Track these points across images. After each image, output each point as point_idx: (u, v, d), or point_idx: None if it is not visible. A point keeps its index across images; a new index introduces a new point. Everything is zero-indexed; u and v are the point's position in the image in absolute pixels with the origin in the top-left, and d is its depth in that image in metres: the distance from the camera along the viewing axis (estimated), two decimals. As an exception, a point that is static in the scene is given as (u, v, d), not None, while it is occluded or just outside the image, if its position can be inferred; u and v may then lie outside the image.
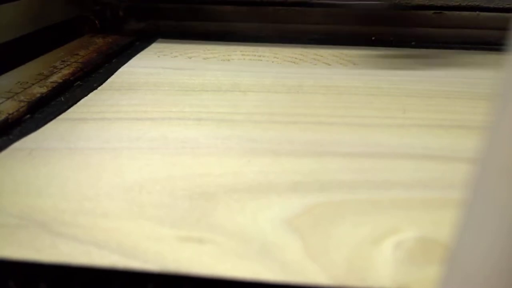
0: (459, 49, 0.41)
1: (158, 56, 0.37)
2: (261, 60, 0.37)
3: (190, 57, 0.37)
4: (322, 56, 0.38)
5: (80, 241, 0.16)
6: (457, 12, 0.43)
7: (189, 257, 0.15)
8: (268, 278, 0.14)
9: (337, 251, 0.16)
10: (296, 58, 0.37)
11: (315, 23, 0.44)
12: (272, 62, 0.36)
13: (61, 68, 0.33)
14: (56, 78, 0.31)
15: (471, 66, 0.36)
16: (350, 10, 0.43)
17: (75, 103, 0.28)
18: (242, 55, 0.38)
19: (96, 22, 0.44)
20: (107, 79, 0.32)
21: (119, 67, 0.34)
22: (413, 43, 0.43)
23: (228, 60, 0.37)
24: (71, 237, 0.16)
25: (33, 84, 0.30)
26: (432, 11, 0.43)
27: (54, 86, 0.30)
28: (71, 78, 0.31)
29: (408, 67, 0.36)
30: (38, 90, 0.29)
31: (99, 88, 0.30)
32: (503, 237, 0.09)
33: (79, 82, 0.32)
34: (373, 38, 0.44)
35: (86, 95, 0.29)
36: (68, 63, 0.34)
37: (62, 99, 0.29)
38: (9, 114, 0.25)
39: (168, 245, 0.16)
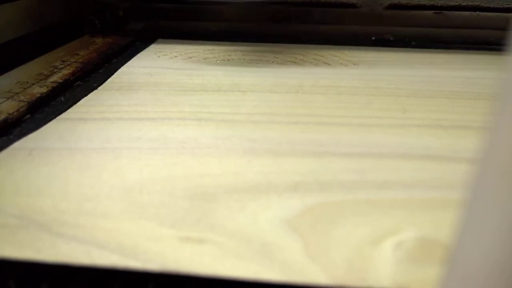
0: (459, 49, 0.41)
1: (158, 56, 0.37)
2: (261, 60, 0.37)
3: (190, 57, 0.37)
4: (322, 56, 0.38)
5: (80, 241, 0.16)
6: (457, 12, 0.43)
7: (189, 257, 0.15)
8: (268, 278, 0.14)
9: (337, 251, 0.16)
10: (296, 58, 0.37)
11: (315, 23, 0.44)
12: (272, 62, 0.37)
13: (61, 68, 0.33)
14: (56, 78, 0.31)
15: (471, 66, 0.36)
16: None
17: (75, 103, 0.28)
18: (242, 55, 0.38)
19: (96, 22, 0.44)
20: (107, 79, 0.32)
21: (119, 67, 0.34)
22: (413, 43, 0.43)
23: (228, 60, 0.37)
24: (71, 237, 0.16)
25: (33, 84, 0.30)
26: (432, 11, 0.43)
27: (54, 86, 0.30)
28: (71, 78, 0.31)
29: (408, 67, 0.36)
30: (38, 90, 0.29)
31: (99, 88, 0.30)
32: (503, 237, 0.09)
33: (79, 82, 0.32)
34: (373, 38, 0.44)
35: (86, 95, 0.29)
36: (68, 63, 0.34)
37: (62, 99, 0.29)
38: (9, 114, 0.25)
39: (168, 245, 0.16)
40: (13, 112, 0.26)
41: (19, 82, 0.30)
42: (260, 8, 0.44)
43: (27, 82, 0.30)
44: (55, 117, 0.26)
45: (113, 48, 0.39)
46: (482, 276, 0.09)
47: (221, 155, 0.22)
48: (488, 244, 0.09)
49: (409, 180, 0.20)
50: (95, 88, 0.30)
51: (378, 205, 0.18)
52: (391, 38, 0.43)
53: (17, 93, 0.28)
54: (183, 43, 0.41)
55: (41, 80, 0.31)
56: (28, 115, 0.26)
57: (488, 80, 0.32)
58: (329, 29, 0.44)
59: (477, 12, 0.42)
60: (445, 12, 0.43)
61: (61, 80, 0.31)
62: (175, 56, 0.37)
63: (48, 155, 0.21)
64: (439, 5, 0.43)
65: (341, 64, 0.36)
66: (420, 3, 0.43)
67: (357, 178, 0.20)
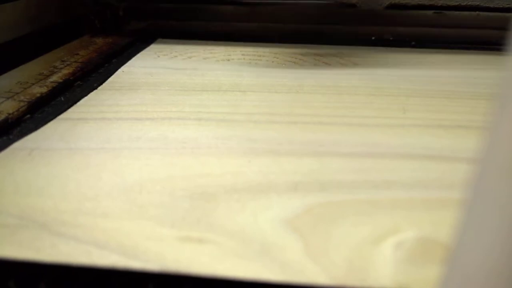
0: (459, 49, 0.41)
1: (158, 56, 0.37)
2: (261, 60, 0.37)
3: (190, 57, 0.37)
4: (322, 56, 0.38)
5: (80, 241, 0.16)
6: (457, 12, 0.43)
7: (189, 257, 0.15)
8: (268, 278, 0.14)
9: (337, 251, 0.16)
10: (296, 58, 0.37)
11: (315, 23, 0.44)
12: (272, 62, 0.36)
13: (61, 68, 0.33)
14: (56, 78, 0.31)
15: (471, 66, 0.36)
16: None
17: (75, 103, 0.28)
18: (242, 55, 0.38)
19: (96, 22, 0.44)
20: (107, 79, 0.32)
21: (119, 67, 0.34)
22: (413, 43, 0.43)
23: (228, 60, 0.37)
24: (71, 237, 0.16)
25: (33, 84, 0.30)
26: (432, 11, 0.43)
27: (54, 86, 0.30)
28: (71, 78, 0.32)
29: (408, 67, 0.36)
30: (38, 90, 0.29)
31: (99, 88, 0.30)
32: (503, 237, 0.09)
33: (79, 82, 0.32)
34: (373, 38, 0.44)
35: (86, 95, 0.29)
36: (68, 63, 0.34)
37: (62, 99, 0.29)
38: (9, 114, 0.25)
39: (168, 245, 0.16)
40: (13, 112, 0.26)
41: (19, 82, 0.30)
42: (261, 8, 0.44)
43: (27, 82, 0.30)
44: (55, 117, 0.26)
45: (113, 48, 0.39)
46: (482, 276, 0.09)
47: (221, 155, 0.22)
48: (488, 244, 0.09)
49: (409, 180, 0.20)
50: (95, 88, 0.30)
51: (378, 205, 0.18)
52: (391, 38, 0.43)
53: (17, 93, 0.28)
54: (183, 43, 0.41)
55: (41, 80, 0.31)
56: (28, 115, 0.26)
57: (488, 80, 0.32)
58: (329, 29, 0.44)
59: (477, 12, 0.42)
60: (445, 12, 0.43)
61: (61, 80, 0.31)
62: (175, 56, 0.37)
63: (48, 155, 0.21)
64: (439, 5, 0.43)
65: (341, 64, 0.36)
66: (420, 3, 0.43)
67: (357, 178, 0.20)
